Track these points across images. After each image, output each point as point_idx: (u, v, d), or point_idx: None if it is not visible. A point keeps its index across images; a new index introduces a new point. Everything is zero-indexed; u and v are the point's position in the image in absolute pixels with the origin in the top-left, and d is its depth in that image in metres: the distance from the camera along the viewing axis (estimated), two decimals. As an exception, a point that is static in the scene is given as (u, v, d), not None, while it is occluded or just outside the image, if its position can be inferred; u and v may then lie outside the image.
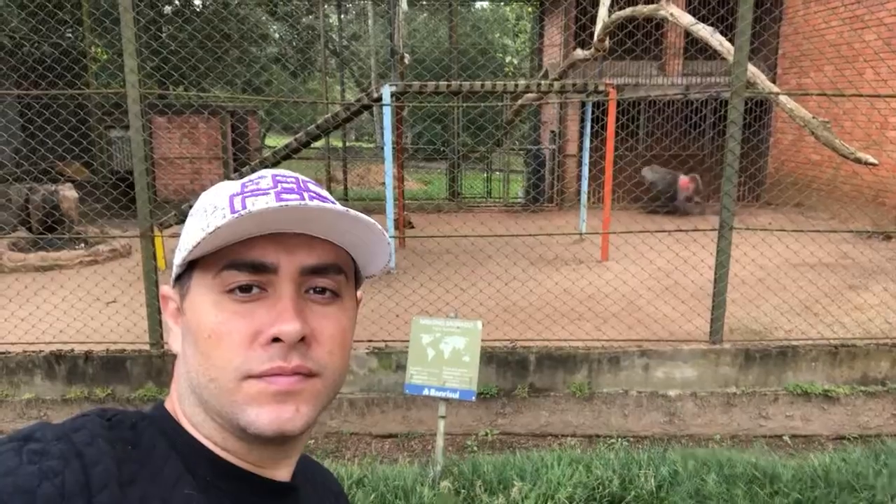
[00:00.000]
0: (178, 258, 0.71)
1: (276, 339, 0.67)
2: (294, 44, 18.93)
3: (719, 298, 4.81)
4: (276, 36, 19.77)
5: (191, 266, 0.71)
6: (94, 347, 4.87)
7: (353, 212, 0.68)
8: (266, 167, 8.19)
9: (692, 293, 5.85)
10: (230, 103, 12.12)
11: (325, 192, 0.75)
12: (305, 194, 0.70)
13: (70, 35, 12.95)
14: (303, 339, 0.68)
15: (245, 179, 0.74)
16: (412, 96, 9.23)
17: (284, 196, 0.68)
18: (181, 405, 0.73)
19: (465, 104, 10.27)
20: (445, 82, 7.90)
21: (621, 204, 11.30)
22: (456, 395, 3.47)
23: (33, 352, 4.83)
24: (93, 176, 12.09)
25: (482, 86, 7.72)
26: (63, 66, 7.20)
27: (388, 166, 7.62)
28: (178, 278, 0.73)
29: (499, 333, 5.13)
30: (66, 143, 9.03)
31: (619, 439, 4.64)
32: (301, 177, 0.75)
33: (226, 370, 0.67)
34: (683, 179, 10.64)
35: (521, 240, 8.06)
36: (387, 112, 7.50)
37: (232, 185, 0.73)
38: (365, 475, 3.47)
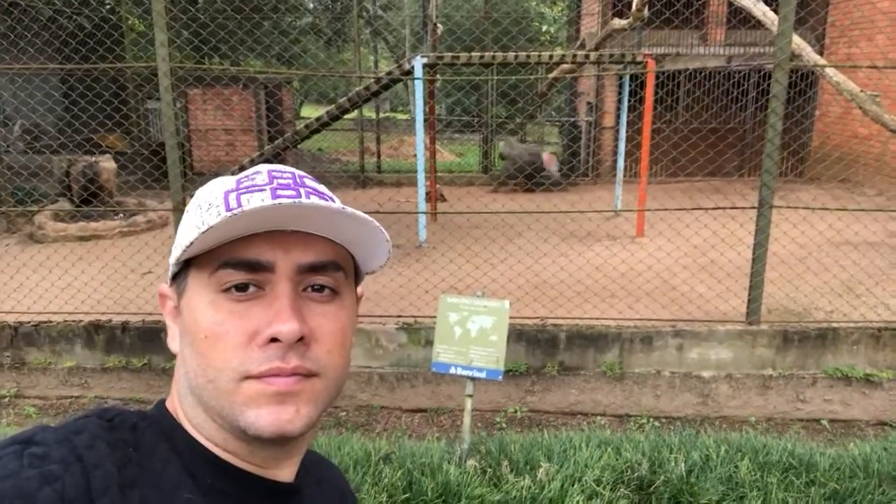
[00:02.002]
0: (174, 256, 0.69)
1: (273, 340, 0.65)
2: (327, 13, 18.80)
3: (757, 278, 4.67)
4: (310, 5, 19.64)
5: (187, 264, 0.69)
6: (130, 318, 4.96)
7: (349, 209, 0.66)
8: (299, 139, 8.21)
9: (729, 272, 5.71)
10: (262, 74, 12.10)
11: (322, 188, 0.73)
12: (302, 190, 0.68)
13: (108, 5, 13.06)
14: (301, 339, 0.66)
15: (240, 175, 0.72)
16: (444, 68, 9.09)
17: (280, 192, 0.67)
18: (181, 405, 0.71)
19: (498, 77, 10.10)
20: (478, 53, 7.75)
21: (658, 178, 11.07)
22: (483, 375, 3.45)
23: (73, 321, 4.95)
24: (131, 146, 12.27)
25: (515, 57, 7.55)
26: (98, 38, 7.26)
27: (420, 139, 7.55)
28: (175, 277, 0.71)
29: (528, 311, 5.08)
30: (101, 115, 9.13)
31: (650, 420, 4.59)
32: (297, 171, 0.73)
33: (224, 371, 0.65)
34: (547, 155, 10.60)
35: (554, 215, 7.95)
36: (418, 85, 7.41)
37: (227, 181, 0.71)
38: (392, 451, 3.48)
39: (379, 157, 13.90)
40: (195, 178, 11.05)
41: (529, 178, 10.05)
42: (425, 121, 7.86)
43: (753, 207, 4.72)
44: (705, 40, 12.04)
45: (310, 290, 0.69)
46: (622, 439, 3.69)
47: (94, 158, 9.13)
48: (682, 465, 3.33)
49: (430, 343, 4.68)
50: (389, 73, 8.30)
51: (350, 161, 15.06)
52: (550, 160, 10.23)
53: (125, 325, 4.91)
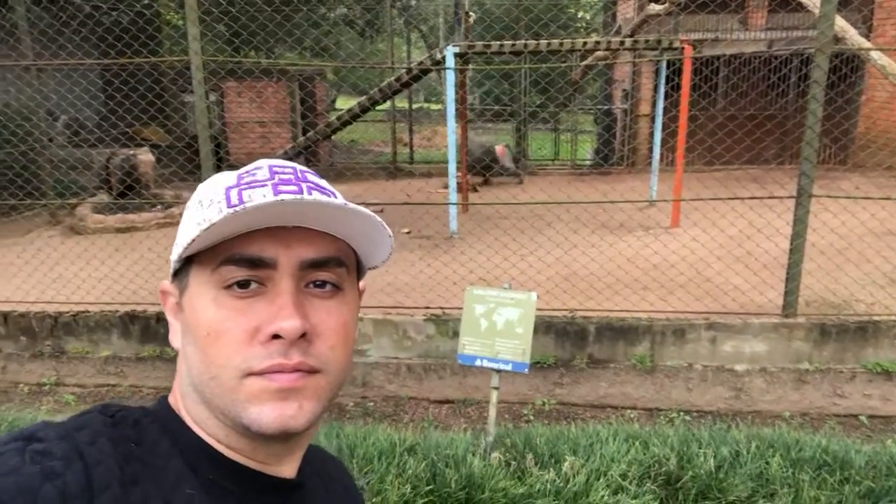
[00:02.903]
0: (175, 253, 0.69)
1: (276, 336, 0.65)
2: (360, 3, 18.82)
3: (794, 270, 4.55)
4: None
5: (188, 261, 0.69)
6: (164, 309, 5.06)
7: (351, 205, 0.66)
8: (331, 132, 8.25)
9: (765, 263, 5.56)
10: (293, 66, 12.18)
11: (324, 183, 0.73)
12: (304, 185, 0.68)
13: (145, 1, 13.28)
14: (304, 335, 0.66)
15: (242, 170, 0.72)
16: (476, 57, 9.03)
17: (282, 188, 0.66)
18: (184, 401, 0.72)
19: (531, 65, 9.97)
20: (510, 42, 7.67)
21: (694, 167, 10.84)
22: (508, 367, 3.43)
23: (110, 312, 5.07)
24: (168, 139, 12.50)
25: (548, 44, 7.46)
26: (134, 33, 7.40)
27: (451, 129, 7.52)
28: (176, 273, 0.71)
29: (557, 303, 5.03)
30: (138, 109, 9.31)
31: (681, 413, 4.51)
32: (299, 167, 0.73)
33: (226, 368, 0.66)
34: (500, 147, 10.42)
35: (585, 205, 7.85)
36: (449, 75, 7.37)
37: (228, 177, 0.71)
38: (417, 442, 3.49)
39: (412, 147, 13.91)
40: (234, 167, 11.19)
41: (487, 169, 9.99)
42: (457, 111, 7.82)
43: (792, 197, 4.59)
44: (745, 24, 11.71)
45: (312, 285, 0.69)
46: (650, 433, 3.64)
47: (131, 151, 9.33)
48: (711, 460, 3.26)
49: (457, 334, 4.67)
50: (421, 62, 8.27)
51: (383, 152, 15.11)
52: (503, 152, 10.18)
53: (160, 315, 5.01)
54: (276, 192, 0.66)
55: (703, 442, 3.48)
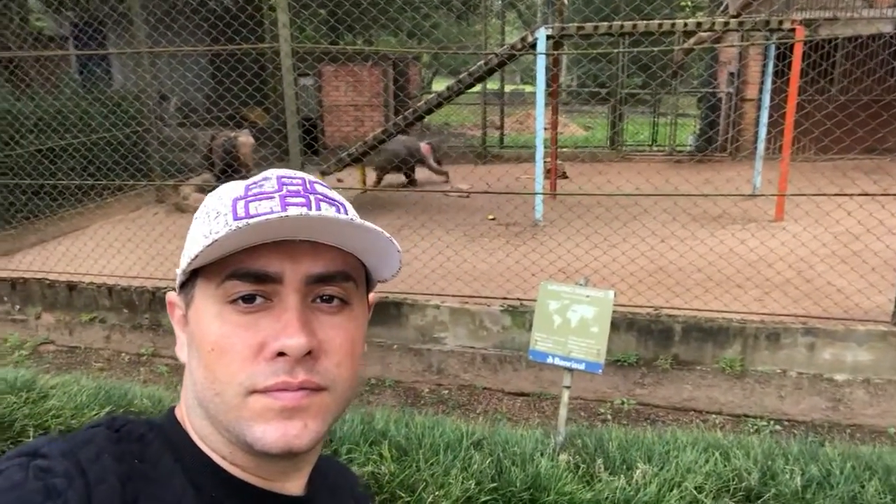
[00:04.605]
0: (182, 266, 0.69)
1: (281, 353, 0.64)
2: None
3: (909, 274, 4.14)
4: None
5: (194, 274, 0.68)
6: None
7: (357, 220, 0.65)
8: (420, 115, 8.26)
9: (875, 266, 5.09)
10: (384, 49, 12.27)
11: (332, 193, 0.71)
12: (312, 197, 0.67)
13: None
14: (309, 353, 0.65)
15: (249, 181, 0.70)
16: (570, 38, 8.75)
17: (289, 200, 0.66)
18: (189, 416, 0.71)
19: (626, 49, 9.55)
20: (605, 23, 7.37)
21: (805, 155, 10.09)
22: (581, 367, 3.31)
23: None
24: (269, 120, 12.95)
25: (646, 25, 7.11)
26: (241, 20, 7.68)
27: (540, 116, 7.35)
28: (183, 285, 0.71)
29: (642, 299, 4.83)
30: (244, 92, 9.69)
31: (771, 422, 4.23)
32: (308, 177, 0.71)
33: (230, 385, 0.64)
34: (425, 145, 9.65)
35: (684, 191, 7.48)
36: (540, 59, 7.18)
37: (236, 188, 0.69)
38: (485, 437, 3.45)
39: (502, 130, 13.74)
40: (328, 150, 11.48)
41: (412, 169, 9.54)
42: (548, 95, 7.63)
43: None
44: (871, 2, 10.70)
45: (319, 300, 0.68)
46: (732, 443, 3.42)
47: (233, 133, 9.73)
48: (798, 478, 3.03)
49: (534, 327, 4.59)
50: (512, 46, 8.11)
51: (475, 136, 15.03)
52: (429, 151, 9.70)
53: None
54: (284, 204, 0.65)
55: (790, 457, 3.24)
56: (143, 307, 5.35)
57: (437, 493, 3.02)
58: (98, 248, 5.96)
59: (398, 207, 8.43)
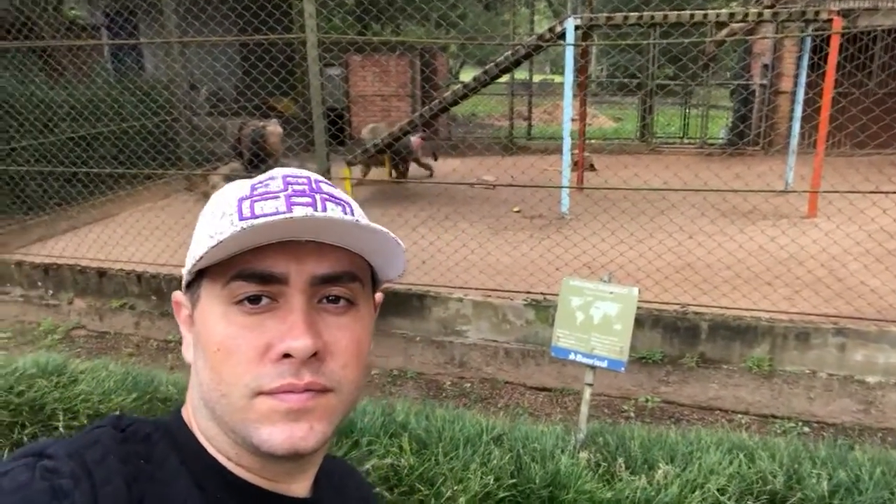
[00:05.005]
0: (187, 266, 0.69)
1: (287, 355, 0.64)
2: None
3: (947, 275, 4.01)
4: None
5: (200, 274, 0.68)
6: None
7: (363, 221, 0.65)
8: (446, 106, 8.21)
9: (913, 264, 4.96)
10: (410, 40, 12.22)
11: (339, 192, 0.71)
12: (317, 196, 0.67)
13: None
14: (315, 354, 0.65)
15: (255, 181, 0.71)
16: (600, 29, 8.62)
17: (295, 199, 0.66)
18: (195, 416, 0.72)
19: (656, 40, 9.37)
20: (637, 13, 7.24)
21: (840, 149, 9.84)
22: (604, 364, 3.27)
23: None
24: (300, 111, 13.01)
25: (678, 16, 6.97)
26: (269, 10, 7.71)
27: (568, 107, 7.26)
28: (189, 285, 0.71)
29: (668, 295, 4.76)
30: (262, 82, 9.75)
31: (799, 423, 4.15)
32: (313, 176, 0.71)
33: (236, 386, 0.65)
34: (415, 139, 9.46)
35: (714, 187, 7.36)
36: (569, 50, 7.09)
37: (241, 187, 0.70)
38: (504, 432, 3.43)
39: (530, 121, 13.62)
40: (354, 140, 11.48)
41: (404, 161, 9.40)
42: (577, 86, 7.53)
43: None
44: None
45: (325, 301, 0.68)
46: (758, 445, 3.36)
47: (261, 123, 9.79)
48: (825, 483, 2.96)
49: (558, 322, 4.55)
50: (540, 36, 8.02)
51: (502, 126, 14.93)
52: (419, 144, 9.55)
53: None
54: (290, 204, 0.64)
55: (817, 460, 3.17)
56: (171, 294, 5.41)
57: (455, 487, 3.01)
58: (127, 236, 6.05)
59: (422, 199, 8.42)
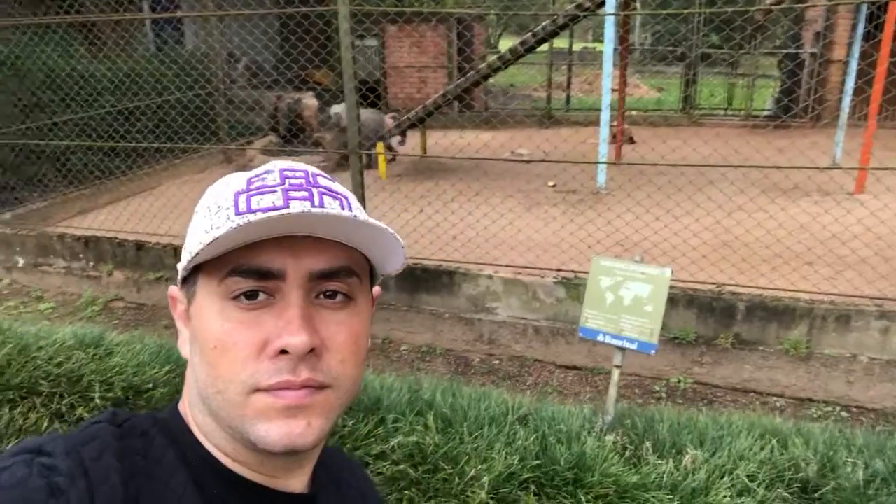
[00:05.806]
0: (183, 261, 0.69)
1: (284, 351, 0.64)
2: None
3: None
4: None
5: (196, 269, 0.68)
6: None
7: (361, 216, 0.64)
8: (481, 77, 8.08)
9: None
10: (444, 11, 12.04)
11: (336, 186, 0.70)
12: (314, 190, 0.66)
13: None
14: (312, 350, 0.65)
15: (252, 174, 0.70)
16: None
17: (292, 194, 0.65)
18: (192, 411, 0.72)
19: (699, 10, 9.02)
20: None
21: (892, 123, 9.40)
22: (633, 346, 3.21)
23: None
24: (336, 82, 12.99)
25: (723, -17, 6.70)
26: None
27: (607, 78, 7.07)
28: (185, 280, 0.71)
29: (704, 275, 4.64)
30: (305, 52, 9.74)
31: (837, 408, 4.04)
32: (311, 169, 0.70)
33: (233, 383, 0.65)
34: (388, 119, 9.15)
35: (755, 163, 7.12)
36: (609, 20, 6.89)
37: (238, 181, 0.69)
38: (530, 413, 3.41)
39: (569, 92, 13.36)
40: (388, 112, 11.41)
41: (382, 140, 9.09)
42: (617, 53, 7.33)
43: None
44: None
45: (322, 296, 0.68)
46: (792, 430, 3.27)
47: (297, 96, 9.81)
48: (861, 472, 2.88)
49: (589, 300, 4.48)
50: (579, 6, 7.80)
51: (541, 97, 14.68)
52: (391, 124, 9.24)
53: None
54: (287, 199, 0.64)
55: (853, 448, 3.08)
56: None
57: (479, 466, 3.01)
58: (164, 209, 6.15)
59: (454, 174, 8.35)
